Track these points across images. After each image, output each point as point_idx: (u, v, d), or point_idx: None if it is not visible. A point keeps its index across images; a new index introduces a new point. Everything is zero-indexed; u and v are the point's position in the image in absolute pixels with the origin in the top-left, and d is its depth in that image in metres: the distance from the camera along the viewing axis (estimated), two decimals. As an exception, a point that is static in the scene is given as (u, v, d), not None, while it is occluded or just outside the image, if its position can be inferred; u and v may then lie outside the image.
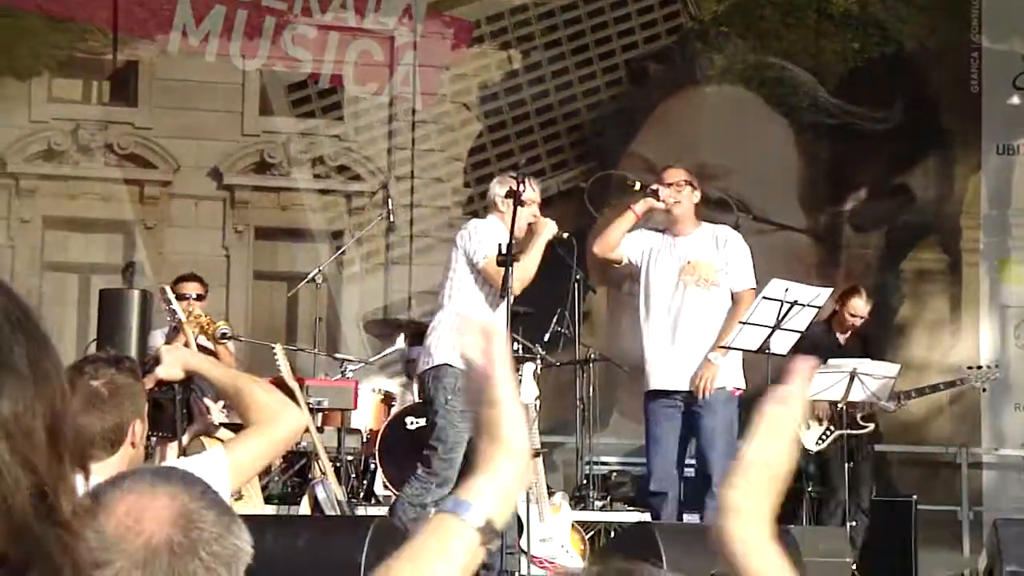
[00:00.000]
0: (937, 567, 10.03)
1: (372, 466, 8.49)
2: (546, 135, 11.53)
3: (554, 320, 8.98)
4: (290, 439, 3.37)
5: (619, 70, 11.64)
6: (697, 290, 7.25)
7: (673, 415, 7.24)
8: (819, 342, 8.29)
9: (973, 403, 11.35)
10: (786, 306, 7.19)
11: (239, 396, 3.23)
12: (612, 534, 8.36)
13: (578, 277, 9.01)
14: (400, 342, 9.17)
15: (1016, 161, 11.64)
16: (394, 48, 11.38)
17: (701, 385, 7.12)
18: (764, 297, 7.20)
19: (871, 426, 8.73)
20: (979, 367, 9.46)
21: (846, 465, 8.43)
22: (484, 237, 6.76)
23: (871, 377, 8.33)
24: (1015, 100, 11.66)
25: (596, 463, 9.23)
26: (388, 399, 8.84)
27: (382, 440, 8.28)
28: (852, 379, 8.27)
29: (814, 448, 8.64)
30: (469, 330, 1.70)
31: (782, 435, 1.69)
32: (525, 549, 7.34)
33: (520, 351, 8.64)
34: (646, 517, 7.45)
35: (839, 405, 8.42)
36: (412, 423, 8.20)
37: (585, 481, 9.07)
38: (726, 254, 7.34)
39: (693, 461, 7.37)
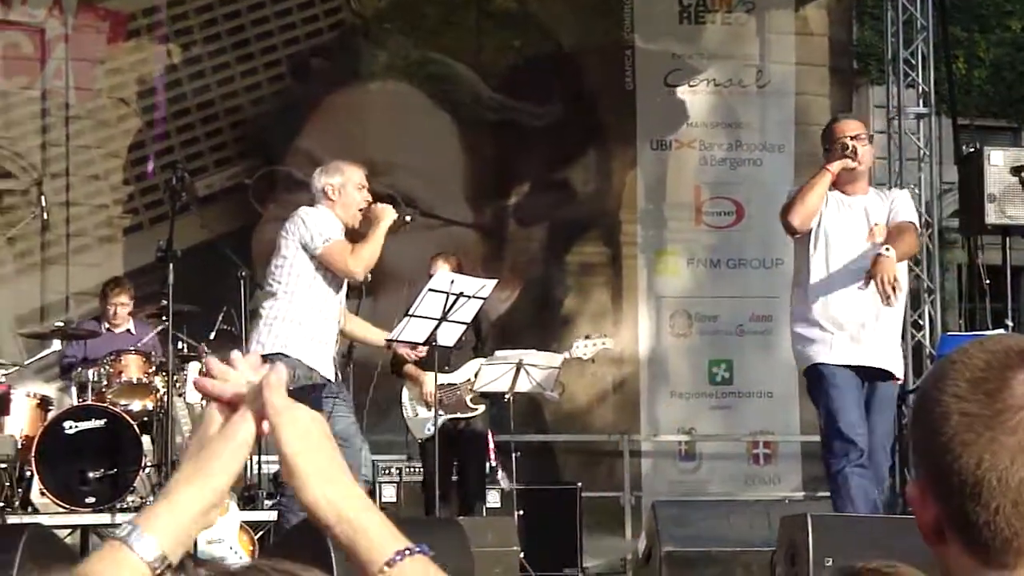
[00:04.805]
0: (602, 552, 10.29)
1: (28, 473, 8.14)
2: (208, 131, 11.31)
3: (220, 318, 8.84)
4: None
5: (281, 65, 11.50)
6: None
7: (858, 387, 6.34)
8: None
9: (633, 392, 11.70)
10: (452, 298, 7.26)
11: None
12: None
13: (243, 274, 8.91)
14: (56, 344, 8.83)
15: (669, 156, 12.03)
16: (45, 41, 10.95)
17: (885, 280, 6.06)
18: (430, 289, 7.24)
19: (480, 408, 8.62)
20: (587, 336, 8.80)
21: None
22: (320, 221, 6.63)
23: (537, 368, 8.48)
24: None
25: (266, 461, 9.08)
26: (44, 403, 8.49)
27: (38, 446, 7.95)
28: (519, 370, 8.41)
29: (424, 436, 8.41)
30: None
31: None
32: (192, 552, 7.17)
33: (185, 349, 8.46)
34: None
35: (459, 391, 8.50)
36: (71, 427, 7.90)
37: (255, 480, 8.92)
38: (894, 206, 6.44)
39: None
